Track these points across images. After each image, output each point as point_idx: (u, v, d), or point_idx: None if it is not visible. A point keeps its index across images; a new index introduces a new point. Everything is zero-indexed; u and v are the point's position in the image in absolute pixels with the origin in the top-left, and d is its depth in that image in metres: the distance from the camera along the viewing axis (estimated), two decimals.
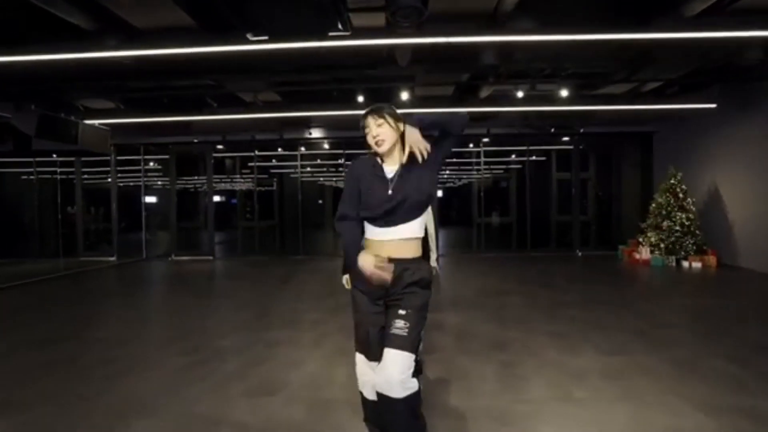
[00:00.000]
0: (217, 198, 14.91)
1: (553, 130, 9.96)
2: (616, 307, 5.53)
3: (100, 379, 3.49)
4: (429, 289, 2.19)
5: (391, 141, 2.15)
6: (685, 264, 8.40)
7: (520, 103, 7.83)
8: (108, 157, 10.69)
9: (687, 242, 8.48)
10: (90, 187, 11.93)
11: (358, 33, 4.80)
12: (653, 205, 8.93)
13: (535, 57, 6.00)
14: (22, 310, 6.07)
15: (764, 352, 3.89)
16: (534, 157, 12.03)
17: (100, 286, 7.92)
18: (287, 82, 7.10)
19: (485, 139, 10.65)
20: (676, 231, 8.53)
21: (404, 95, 7.07)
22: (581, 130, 10.14)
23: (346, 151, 10.94)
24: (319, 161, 13.39)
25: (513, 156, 12.66)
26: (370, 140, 2.17)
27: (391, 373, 2.04)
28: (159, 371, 3.64)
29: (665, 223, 8.60)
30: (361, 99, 7.35)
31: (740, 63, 6.01)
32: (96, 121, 8.36)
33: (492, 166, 13.16)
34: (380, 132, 2.14)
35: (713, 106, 7.94)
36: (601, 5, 5.02)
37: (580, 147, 10.65)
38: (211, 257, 10.85)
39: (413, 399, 2.11)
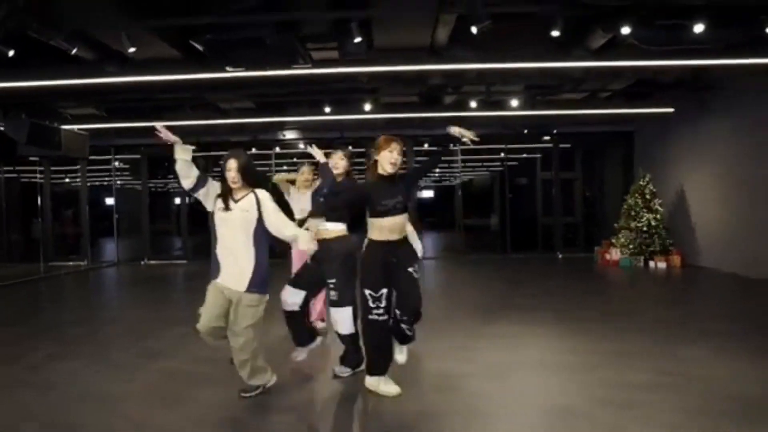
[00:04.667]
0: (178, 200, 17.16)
1: (526, 131, 12.36)
2: (553, 297, 7.95)
3: (135, 340, 5.90)
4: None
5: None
6: (652, 264, 10.77)
7: (486, 108, 10.22)
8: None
9: (653, 243, 10.84)
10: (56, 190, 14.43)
11: (318, 64, 7.26)
12: (624, 206, 11.31)
13: (480, 78, 8.39)
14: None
15: (646, 322, 6.24)
16: (524, 155, 14.43)
17: (80, 289, 10.39)
18: (260, 93, 9.51)
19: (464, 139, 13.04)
20: (644, 232, 10.89)
21: (367, 106, 9.46)
22: (554, 131, 12.53)
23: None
24: (295, 159, 15.82)
25: (502, 154, 15.04)
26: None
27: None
28: (165, 339, 6.04)
29: (633, 224, 10.97)
30: (327, 109, 9.78)
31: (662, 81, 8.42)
32: (75, 126, 10.81)
33: (480, 165, 15.60)
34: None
35: (670, 110, 10.32)
36: (526, 40, 7.38)
37: (560, 146, 13.04)
38: (185, 261, 13.29)
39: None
